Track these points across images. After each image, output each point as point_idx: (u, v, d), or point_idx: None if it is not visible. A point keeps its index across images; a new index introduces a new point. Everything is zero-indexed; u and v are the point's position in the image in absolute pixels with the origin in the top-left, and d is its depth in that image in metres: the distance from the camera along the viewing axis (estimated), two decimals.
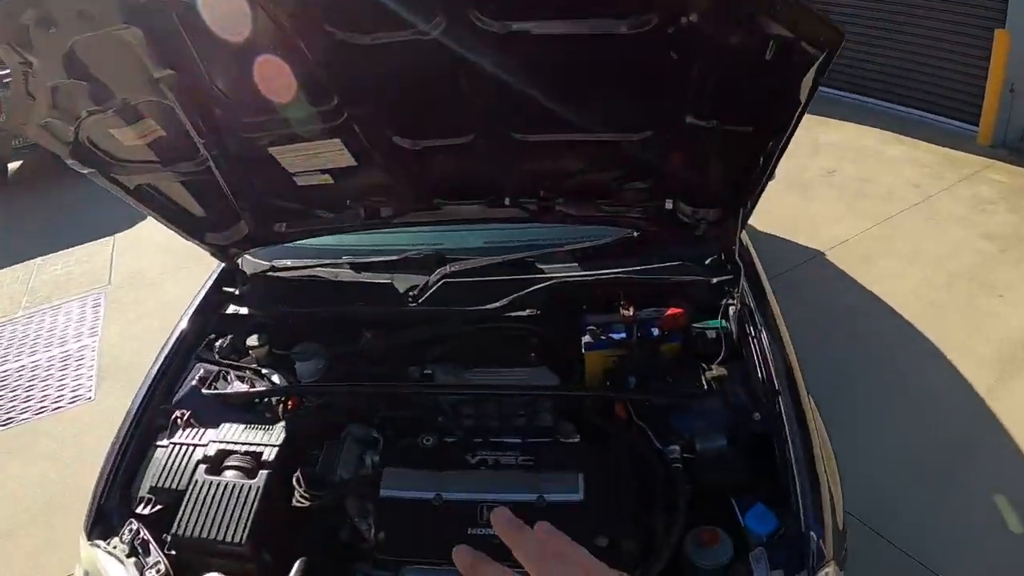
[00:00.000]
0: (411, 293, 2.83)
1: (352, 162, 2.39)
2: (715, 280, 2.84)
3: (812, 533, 2.08)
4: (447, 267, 2.84)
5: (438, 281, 2.81)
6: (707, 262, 2.98)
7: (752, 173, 2.35)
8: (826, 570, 2.04)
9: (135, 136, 2.26)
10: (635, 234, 2.95)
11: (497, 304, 2.71)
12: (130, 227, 7.01)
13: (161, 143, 2.33)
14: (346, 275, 2.99)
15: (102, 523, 2.27)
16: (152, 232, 6.33)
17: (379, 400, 2.51)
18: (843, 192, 6.41)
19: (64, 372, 5.23)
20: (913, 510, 3.49)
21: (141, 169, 2.44)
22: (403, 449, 2.29)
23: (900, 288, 5.06)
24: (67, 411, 4.84)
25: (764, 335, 2.63)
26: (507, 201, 2.55)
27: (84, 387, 5.03)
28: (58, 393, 5.00)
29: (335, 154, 2.35)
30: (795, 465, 2.23)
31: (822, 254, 5.54)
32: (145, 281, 6.19)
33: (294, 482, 2.25)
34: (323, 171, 2.43)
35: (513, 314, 2.72)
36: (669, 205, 2.56)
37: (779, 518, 2.13)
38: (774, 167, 2.26)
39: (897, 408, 4.07)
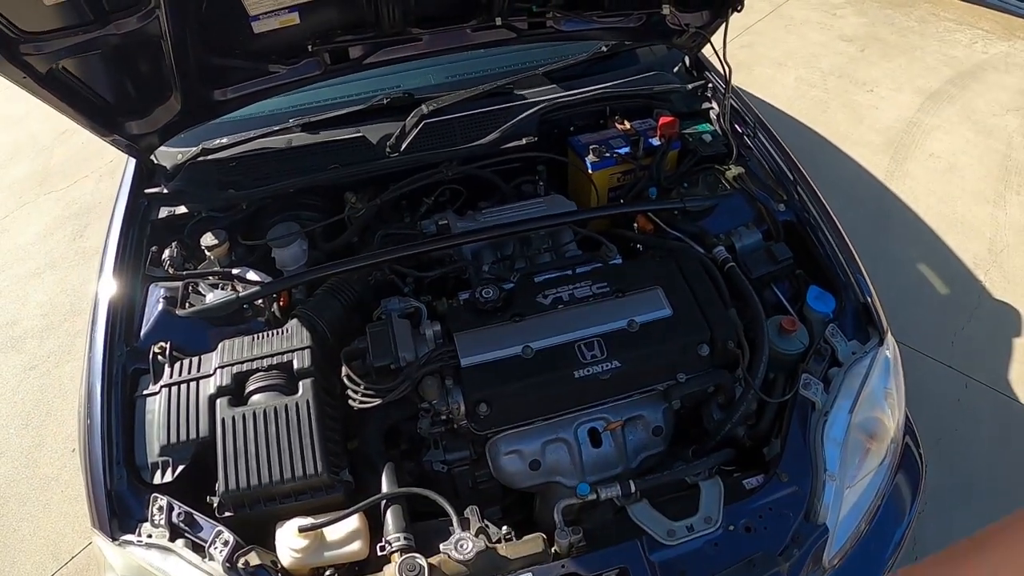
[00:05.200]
0: (388, 143, 2.51)
1: None
2: (690, 86, 2.76)
3: (870, 300, 2.14)
4: (423, 107, 2.54)
5: (418, 123, 2.51)
6: (676, 70, 2.89)
7: None
8: (889, 336, 2.11)
9: None
10: (604, 48, 2.79)
11: (492, 136, 2.48)
12: None
13: None
14: (301, 138, 2.59)
15: (120, 513, 1.79)
16: None
17: (402, 265, 2.21)
18: None
19: None
20: None
21: (60, 40, 1.85)
22: (463, 310, 2.01)
23: (781, 90, 5.27)
24: None
25: (758, 131, 2.60)
26: (498, 20, 2.27)
27: None
28: None
29: None
30: (832, 244, 2.26)
31: None
32: None
33: (346, 381, 1.91)
34: (292, 7, 2.03)
35: (510, 145, 2.50)
36: (667, 11, 2.40)
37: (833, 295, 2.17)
38: None
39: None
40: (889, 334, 2.11)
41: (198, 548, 1.70)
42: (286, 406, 1.81)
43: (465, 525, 1.72)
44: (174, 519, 1.74)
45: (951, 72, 5.23)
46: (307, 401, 1.82)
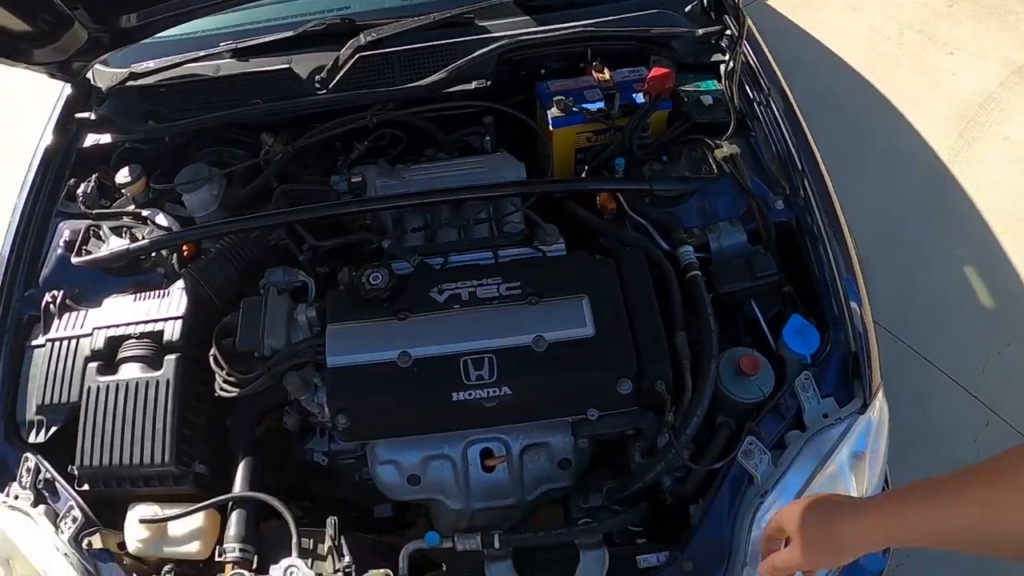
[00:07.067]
0: (318, 77, 2.14)
1: None
2: (701, 31, 2.25)
3: (862, 351, 1.66)
4: (361, 36, 2.13)
5: (352, 57, 2.11)
6: (688, 9, 2.37)
7: None
8: (878, 397, 1.66)
9: None
10: None
11: (434, 78, 2.07)
12: None
13: None
14: (229, 66, 2.24)
15: None
16: None
17: (301, 228, 1.88)
18: None
19: None
20: (891, 276, 3.35)
21: None
22: (346, 295, 1.68)
23: (850, 39, 4.62)
24: None
25: (773, 100, 2.11)
26: None
27: None
28: None
29: None
30: (832, 264, 1.78)
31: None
32: None
33: (212, 364, 1.67)
34: None
35: (455, 89, 2.09)
36: None
37: (820, 332, 1.70)
38: None
39: (866, 168, 3.81)
40: (879, 395, 1.65)
41: (53, 516, 1.62)
42: (147, 383, 1.65)
43: (311, 545, 1.54)
44: (39, 484, 1.65)
45: None
46: (167, 380, 1.65)
